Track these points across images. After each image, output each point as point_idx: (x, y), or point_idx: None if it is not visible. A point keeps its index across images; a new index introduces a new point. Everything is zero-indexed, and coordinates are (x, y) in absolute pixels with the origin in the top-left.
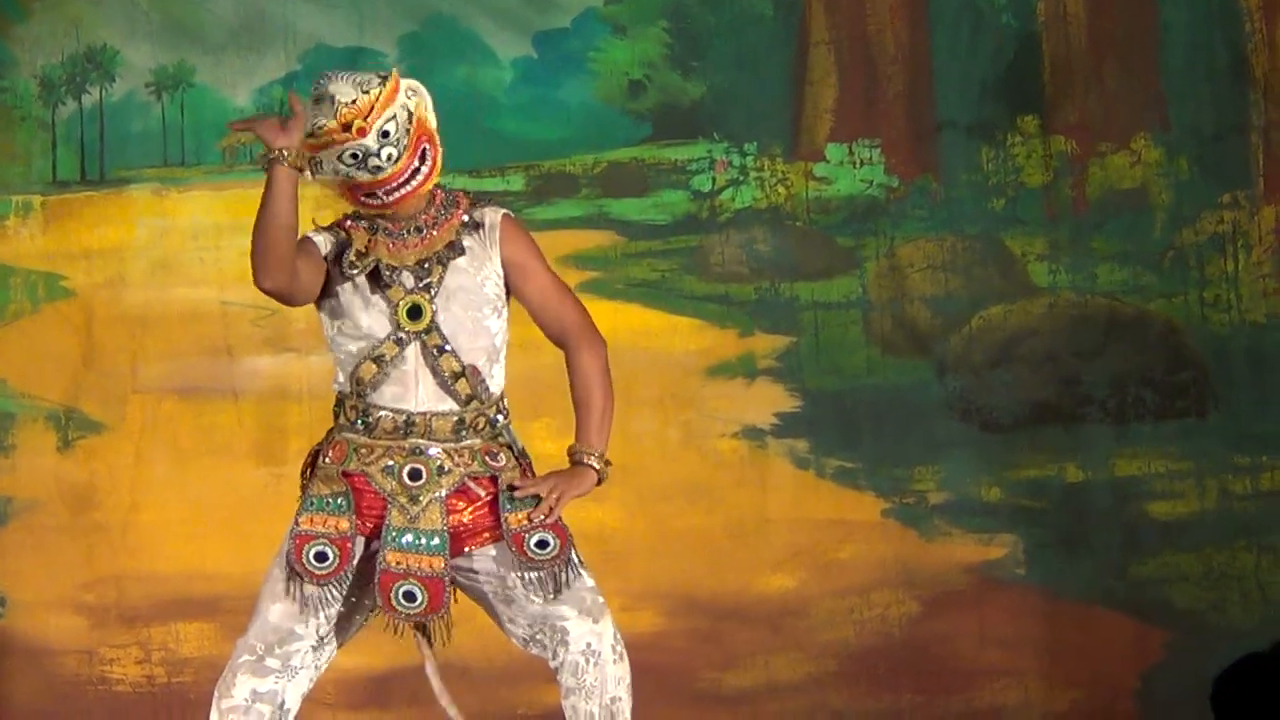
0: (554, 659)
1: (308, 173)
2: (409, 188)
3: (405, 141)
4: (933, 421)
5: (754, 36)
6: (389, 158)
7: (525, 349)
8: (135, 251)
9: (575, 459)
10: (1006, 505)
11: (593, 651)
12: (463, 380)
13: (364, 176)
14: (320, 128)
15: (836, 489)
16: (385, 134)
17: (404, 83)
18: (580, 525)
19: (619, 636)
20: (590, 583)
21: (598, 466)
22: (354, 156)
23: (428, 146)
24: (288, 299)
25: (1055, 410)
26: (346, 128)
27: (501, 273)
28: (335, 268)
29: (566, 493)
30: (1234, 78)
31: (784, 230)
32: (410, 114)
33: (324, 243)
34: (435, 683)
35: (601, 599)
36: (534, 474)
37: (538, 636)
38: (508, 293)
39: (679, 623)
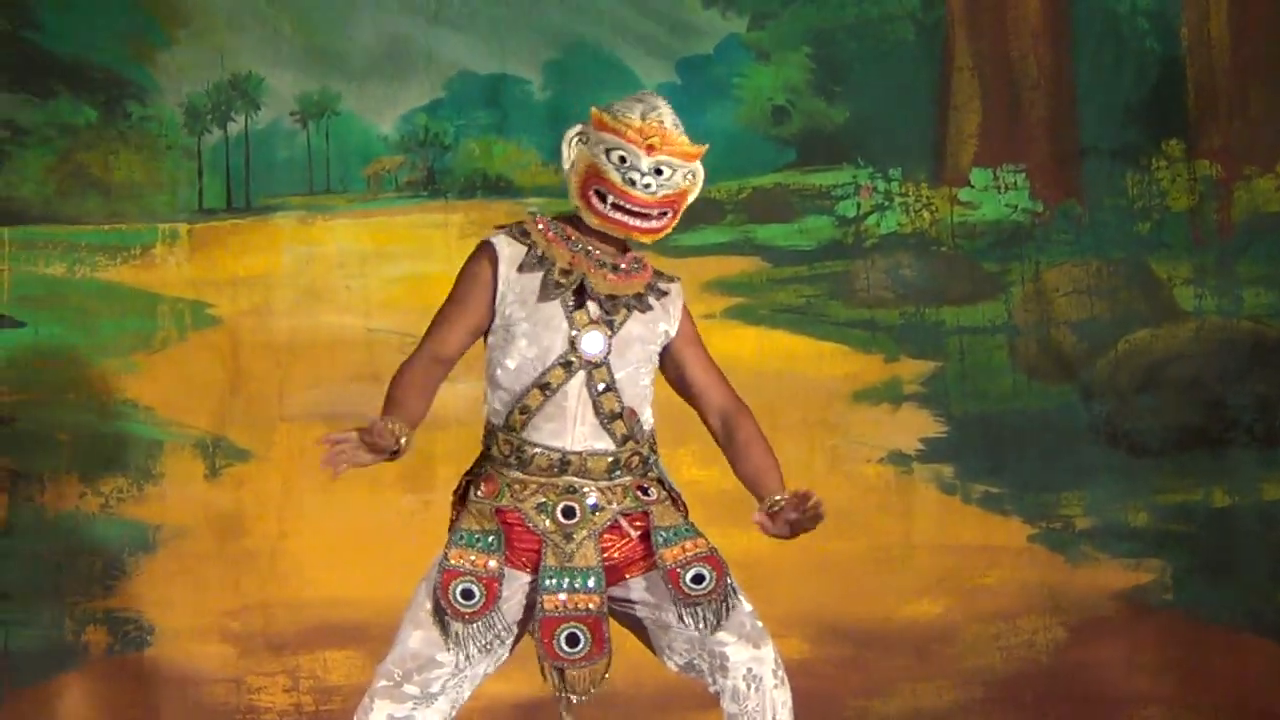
0: (713, 684)
1: (568, 153)
2: (635, 221)
3: (666, 191)
4: (1079, 446)
5: (896, 61)
6: (645, 186)
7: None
8: (281, 279)
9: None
10: (1153, 530)
11: (754, 676)
12: (620, 421)
13: (615, 176)
14: (622, 115)
15: (982, 514)
16: (659, 170)
17: (699, 162)
18: (726, 551)
19: (780, 661)
20: (749, 608)
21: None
22: (622, 159)
23: (670, 213)
24: None
25: (1202, 434)
26: (644, 135)
27: (670, 339)
28: (523, 279)
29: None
30: None
31: (929, 255)
32: (683, 184)
33: (512, 257)
34: None
35: (760, 624)
36: (686, 510)
37: (695, 663)
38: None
39: (824, 649)
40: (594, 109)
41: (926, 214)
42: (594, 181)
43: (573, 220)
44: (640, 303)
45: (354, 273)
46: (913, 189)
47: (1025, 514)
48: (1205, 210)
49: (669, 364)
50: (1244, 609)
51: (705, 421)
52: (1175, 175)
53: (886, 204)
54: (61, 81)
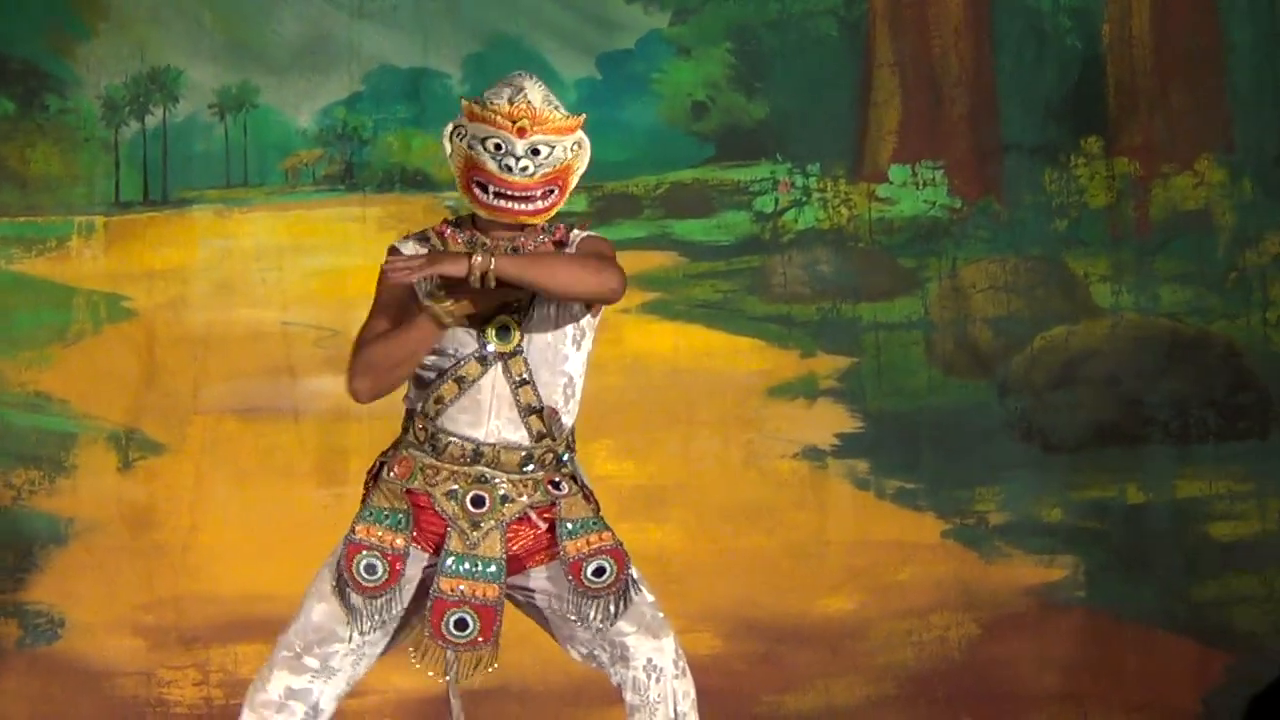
0: (615, 675)
1: (448, 148)
2: (518, 205)
3: (546, 170)
4: (994, 442)
5: (818, 58)
6: (524, 170)
7: (589, 370)
8: (197, 272)
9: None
10: (1067, 526)
11: (654, 667)
12: (537, 417)
13: (491, 165)
14: (490, 103)
15: (897, 510)
16: (536, 151)
17: (581, 132)
18: (640, 546)
19: (680, 651)
20: (650, 599)
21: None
22: (497, 146)
23: (556, 190)
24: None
25: (1117, 431)
26: (512, 119)
27: None
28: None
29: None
30: None
31: (846, 251)
32: (565, 158)
33: (413, 252)
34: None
35: (661, 614)
36: (597, 505)
37: (596, 653)
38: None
39: (738, 645)
40: (464, 100)
41: (844, 210)
42: (473, 173)
43: (472, 217)
44: None
45: (270, 266)
46: (831, 185)
47: (939, 510)
48: (1123, 208)
49: None
50: (1157, 606)
51: None
52: (1094, 173)
53: (804, 200)
54: None
